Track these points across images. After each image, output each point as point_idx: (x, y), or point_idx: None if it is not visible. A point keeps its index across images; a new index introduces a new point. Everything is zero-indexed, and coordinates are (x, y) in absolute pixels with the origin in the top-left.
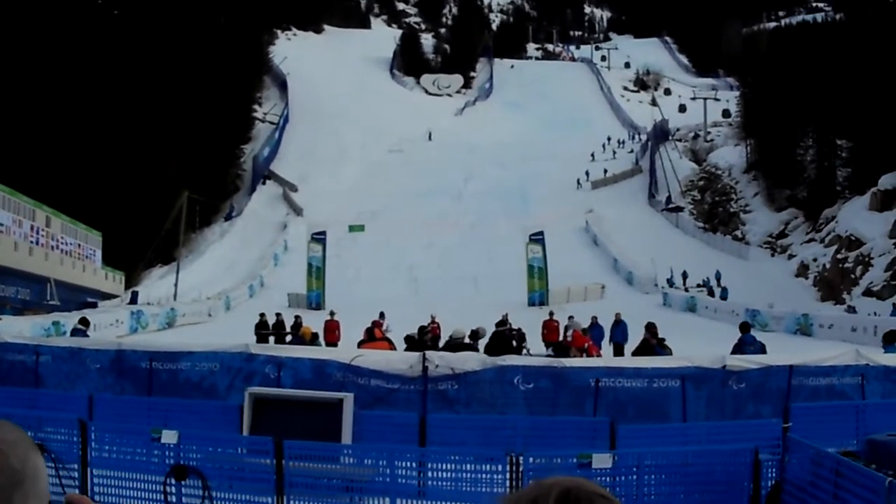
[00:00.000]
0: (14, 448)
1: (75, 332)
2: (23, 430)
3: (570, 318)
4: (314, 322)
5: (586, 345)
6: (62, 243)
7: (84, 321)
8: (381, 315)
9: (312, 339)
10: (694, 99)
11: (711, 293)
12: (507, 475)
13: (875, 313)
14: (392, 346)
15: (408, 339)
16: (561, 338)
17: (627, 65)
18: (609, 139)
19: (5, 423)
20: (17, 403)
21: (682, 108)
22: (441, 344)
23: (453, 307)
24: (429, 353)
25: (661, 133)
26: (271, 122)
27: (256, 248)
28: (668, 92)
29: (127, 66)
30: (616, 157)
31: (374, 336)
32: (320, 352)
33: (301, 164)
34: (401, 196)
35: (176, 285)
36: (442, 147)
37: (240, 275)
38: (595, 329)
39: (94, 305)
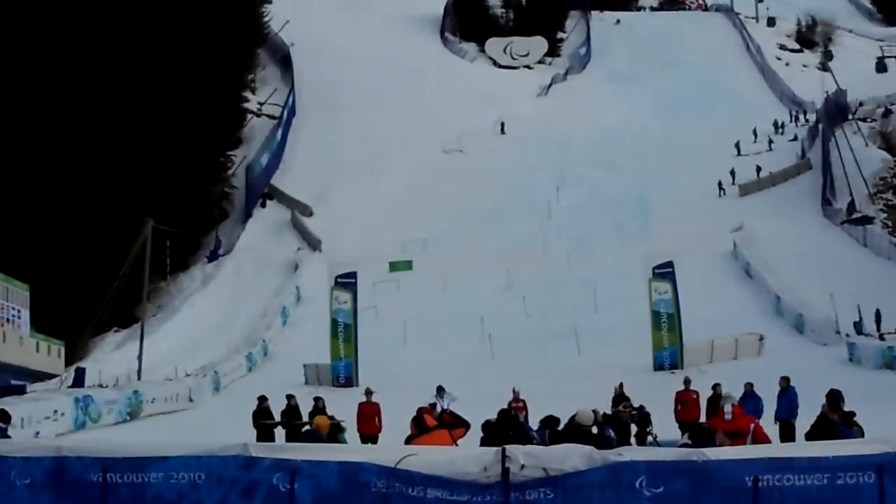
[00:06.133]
0: None
1: None
2: None
3: (717, 385)
4: (343, 405)
5: (752, 426)
6: None
7: (3, 415)
8: (439, 390)
9: (333, 433)
10: (884, 58)
11: None
12: None
13: None
14: (453, 436)
15: (486, 426)
16: (704, 417)
17: (772, 21)
18: (775, 123)
19: None
20: None
21: (882, 67)
22: (534, 428)
23: (546, 376)
24: (511, 449)
25: (836, 111)
26: (270, 117)
27: (255, 299)
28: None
29: (59, 32)
30: (773, 147)
31: (425, 426)
32: (352, 451)
33: (316, 175)
34: (463, 217)
35: (140, 358)
36: (520, 143)
37: (232, 340)
38: (750, 401)
39: (20, 391)
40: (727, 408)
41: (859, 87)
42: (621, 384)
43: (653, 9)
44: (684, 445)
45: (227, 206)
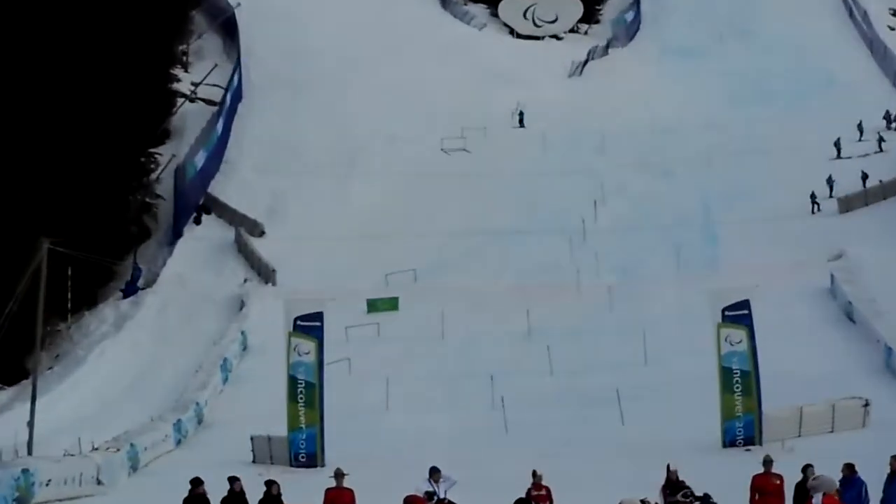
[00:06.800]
0: None
1: None
2: None
3: (808, 467)
4: (305, 492)
5: None
6: None
7: None
8: (433, 472)
9: None
10: None
11: None
12: None
13: None
14: None
15: None
16: None
17: None
18: (887, 116)
19: None
20: None
21: None
22: None
23: (578, 455)
24: None
25: None
26: (208, 102)
27: (186, 348)
28: None
29: None
30: (884, 147)
31: None
32: None
33: (270, 181)
34: (467, 239)
35: (31, 425)
36: (545, 140)
37: (155, 402)
38: (851, 489)
39: None
40: (817, 498)
41: None
42: (670, 466)
43: None
44: None
45: (148, 222)
